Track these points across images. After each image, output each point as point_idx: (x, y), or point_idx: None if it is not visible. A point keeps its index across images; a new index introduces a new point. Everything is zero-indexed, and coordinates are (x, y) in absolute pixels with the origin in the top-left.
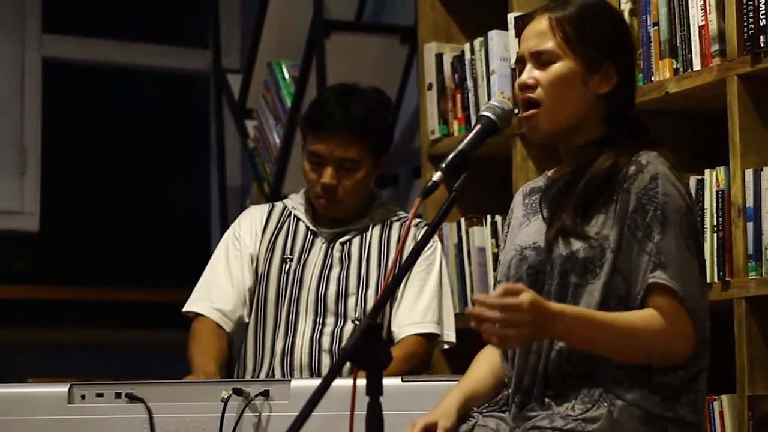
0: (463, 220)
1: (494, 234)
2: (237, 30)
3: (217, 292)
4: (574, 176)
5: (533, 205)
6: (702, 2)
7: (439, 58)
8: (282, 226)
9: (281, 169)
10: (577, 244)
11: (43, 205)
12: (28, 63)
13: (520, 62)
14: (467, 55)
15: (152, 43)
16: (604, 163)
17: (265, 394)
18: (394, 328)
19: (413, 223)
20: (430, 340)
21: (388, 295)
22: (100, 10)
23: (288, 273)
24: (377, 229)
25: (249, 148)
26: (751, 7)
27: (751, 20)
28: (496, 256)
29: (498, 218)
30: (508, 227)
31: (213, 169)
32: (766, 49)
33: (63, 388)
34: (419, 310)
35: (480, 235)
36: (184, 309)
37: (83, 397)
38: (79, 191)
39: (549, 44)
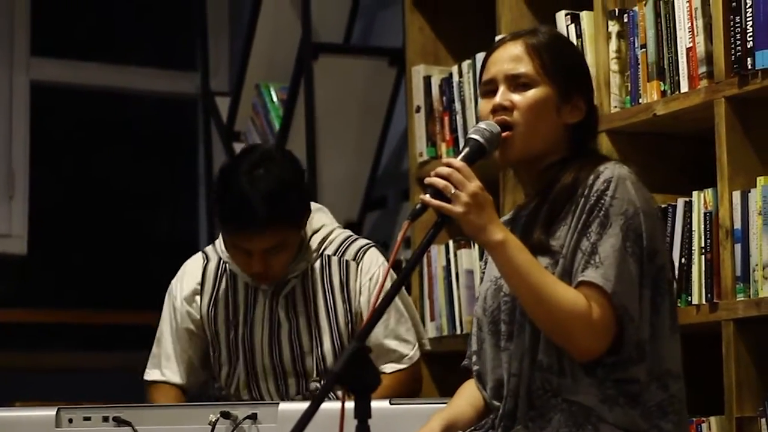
0: (451, 243)
1: (482, 256)
2: (225, 52)
3: (167, 364)
4: (540, 198)
5: None
6: (689, 24)
7: (427, 80)
8: (219, 285)
9: None
10: (544, 261)
11: (31, 228)
12: (16, 86)
13: (490, 85)
14: (455, 78)
15: (140, 66)
16: (567, 178)
17: (253, 417)
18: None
19: (367, 247)
20: (413, 367)
21: (375, 321)
22: (89, 33)
23: (236, 340)
24: (317, 271)
25: None
26: (738, 29)
27: (738, 42)
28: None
29: None
30: (485, 263)
31: (201, 191)
32: (753, 71)
33: (50, 412)
34: (392, 348)
35: (468, 258)
36: (145, 377)
37: (71, 420)
38: (67, 215)
39: (527, 68)
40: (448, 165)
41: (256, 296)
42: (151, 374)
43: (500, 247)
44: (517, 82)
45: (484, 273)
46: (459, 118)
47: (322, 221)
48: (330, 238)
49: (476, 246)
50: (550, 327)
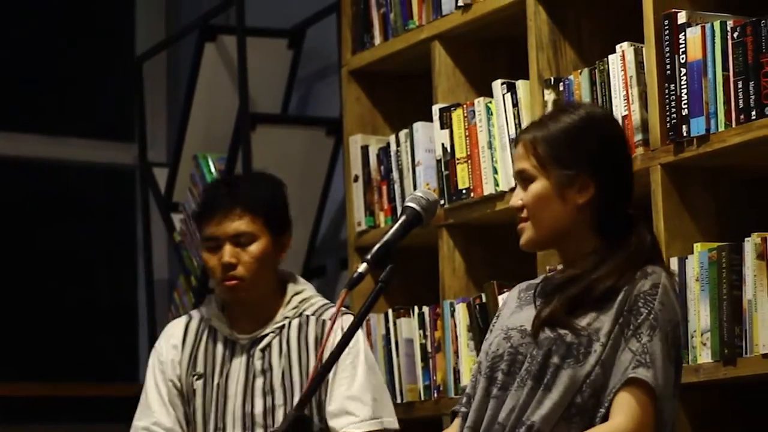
0: (390, 312)
1: (422, 325)
2: (163, 124)
3: (158, 422)
4: (575, 277)
5: (528, 297)
6: (625, 92)
7: (365, 149)
8: (200, 340)
9: None
10: (563, 331)
11: None
12: None
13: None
14: (393, 147)
15: (78, 137)
16: (608, 277)
17: None
18: (332, 425)
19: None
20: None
21: (315, 388)
22: (26, 104)
23: (211, 389)
24: (294, 328)
25: (176, 242)
26: (674, 97)
27: (673, 110)
28: (423, 347)
29: (425, 309)
30: (497, 318)
31: (140, 262)
32: (688, 138)
33: None
34: (354, 410)
35: (408, 327)
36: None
37: None
38: (5, 285)
39: (525, 164)
40: None
41: (234, 349)
42: (142, 420)
43: None
44: (522, 179)
45: (494, 326)
46: (397, 187)
47: (304, 286)
48: (311, 301)
49: (416, 315)
50: None
